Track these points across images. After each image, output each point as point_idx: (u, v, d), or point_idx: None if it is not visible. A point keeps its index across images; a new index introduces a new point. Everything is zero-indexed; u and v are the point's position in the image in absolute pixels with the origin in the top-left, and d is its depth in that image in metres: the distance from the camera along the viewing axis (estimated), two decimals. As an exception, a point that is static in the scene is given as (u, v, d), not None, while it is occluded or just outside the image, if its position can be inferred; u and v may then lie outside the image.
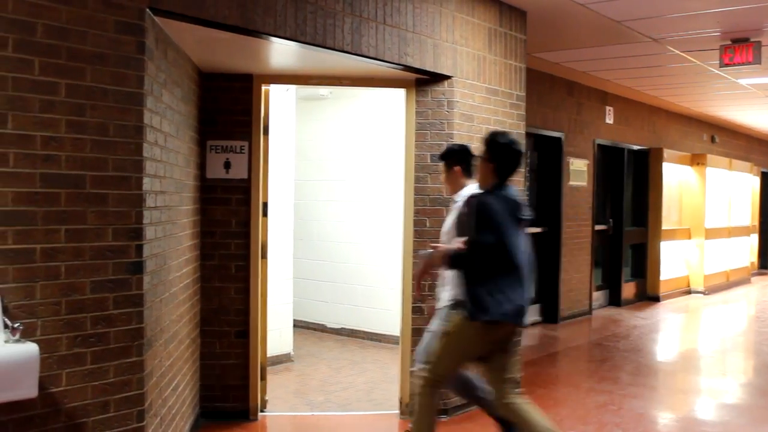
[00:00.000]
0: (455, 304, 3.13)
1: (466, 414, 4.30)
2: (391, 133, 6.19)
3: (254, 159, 4.14)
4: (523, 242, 2.96)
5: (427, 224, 4.32)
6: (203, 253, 4.09)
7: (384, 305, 6.32)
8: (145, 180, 2.79)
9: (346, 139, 6.53)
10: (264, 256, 4.24)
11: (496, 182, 3.00)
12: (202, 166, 4.08)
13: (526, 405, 3.02)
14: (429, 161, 4.32)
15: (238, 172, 4.13)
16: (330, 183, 6.63)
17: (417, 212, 4.30)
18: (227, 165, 4.13)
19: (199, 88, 4.02)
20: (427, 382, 3.06)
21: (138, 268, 2.75)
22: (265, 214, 4.23)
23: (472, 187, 3.28)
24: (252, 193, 4.16)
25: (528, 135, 5.79)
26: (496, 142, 3.04)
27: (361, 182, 6.44)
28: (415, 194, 4.31)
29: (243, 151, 4.13)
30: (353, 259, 6.46)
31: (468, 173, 3.45)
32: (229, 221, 4.14)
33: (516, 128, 4.85)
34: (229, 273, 4.14)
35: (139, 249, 2.75)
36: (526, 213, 3.01)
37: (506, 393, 3.03)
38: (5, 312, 2.40)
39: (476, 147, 3.30)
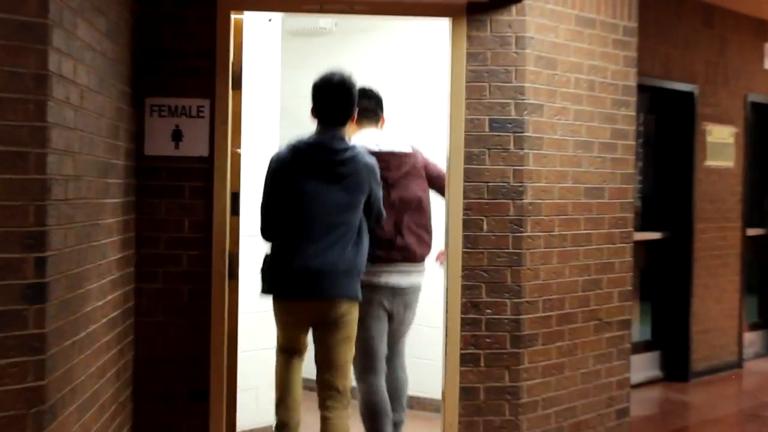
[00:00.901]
0: None
1: None
2: (428, 89, 6.18)
3: (218, 127, 4.19)
4: (324, 195, 3.91)
5: (485, 227, 4.37)
6: (140, 270, 4.16)
7: (419, 351, 6.23)
8: (51, 159, 2.81)
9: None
10: (233, 275, 4.31)
11: (316, 129, 4.04)
12: (137, 138, 4.13)
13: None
14: (488, 129, 4.38)
15: (194, 146, 4.16)
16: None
17: (468, 209, 4.37)
18: (177, 135, 4.15)
19: (135, 18, 4.06)
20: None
21: (38, 294, 2.77)
22: (235, 212, 4.30)
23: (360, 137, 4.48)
24: (215, 180, 4.21)
25: (641, 89, 5.61)
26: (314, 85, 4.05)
27: None
28: (465, 180, 4.36)
29: (201, 115, 4.17)
30: None
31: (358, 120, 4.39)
32: (180, 222, 4.17)
33: (622, 78, 4.77)
34: (179, 302, 4.19)
35: (41, 264, 2.77)
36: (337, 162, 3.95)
37: (321, 399, 4.05)
38: None
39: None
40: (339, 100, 3.97)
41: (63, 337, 2.98)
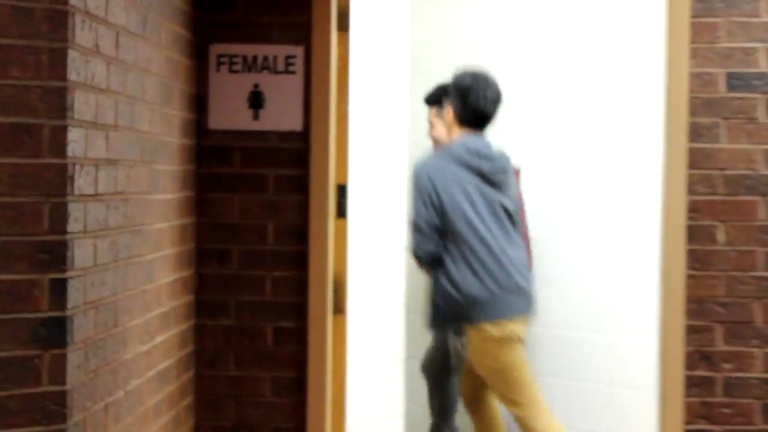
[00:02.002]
0: None
1: None
2: (629, 33, 6.25)
3: (317, 87, 4.23)
4: (491, 212, 5.31)
5: (720, 238, 4.37)
6: (202, 300, 4.21)
7: (621, 425, 6.15)
8: (73, 135, 2.80)
9: (523, 50, 6.84)
10: (340, 308, 4.37)
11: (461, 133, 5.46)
12: (199, 104, 4.22)
13: None
14: (724, 89, 4.38)
15: (282, 116, 4.23)
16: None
17: (694, 210, 4.36)
18: (256, 100, 4.21)
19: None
20: None
21: (56, 333, 2.76)
22: (342, 213, 4.38)
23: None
24: (313, 166, 4.26)
25: None
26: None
27: (561, 141, 6.71)
28: (689, 167, 4.37)
29: (292, 69, 4.22)
30: (551, 313, 6.63)
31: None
32: (262, 228, 4.25)
33: None
34: (260, 346, 4.25)
35: (59, 290, 2.76)
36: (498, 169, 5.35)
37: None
38: None
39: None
40: (494, 103, 5.41)
41: (92, 397, 2.96)
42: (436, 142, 5.96)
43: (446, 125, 5.59)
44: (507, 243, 5.31)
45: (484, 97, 5.35)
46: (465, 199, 5.22)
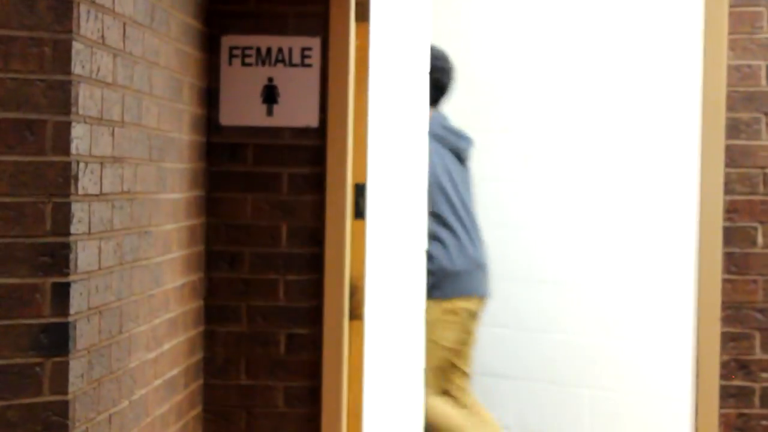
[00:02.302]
0: None
1: None
2: (663, 22, 6.26)
3: (334, 81, 4.25)
4: (465, 189, 5.84)
5: (760, 240, 4.36)
6: (211, 305, 4.23)
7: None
8: (77, 131, 2.80)
9: (551, 41, 6.86)
10: (357, 314, 4.37)
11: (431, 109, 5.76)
12: (210, 98, 4.23)
13: None
14: (765, 83, 4.39)
15: (297, 111, 4.24)
16: (513, 143, 6.89)
17: (732, 210, 4.35)
18: (270, 95, 4.23)
19: None
20: None
21: (59, 340, 2.76)
22: (360, 214, 4.38)
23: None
24: (330, 164, 4.28)
25: None
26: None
27: (594, 140, 6.74)
28: (728, 165, 4.36)
29: (308, 62, 4.24)
30: (581, 318, 6.66)
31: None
32: (275, 229, 4.26)
33: None
34: (273, 354, 4.24)
35: (62, 294, 2.77)
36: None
37: None
38: None
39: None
40: (453, 80, 6.00)
41: (95, 407, 2.97)
42: None
43: None
44: (475, 221, 5.95)
45: (447, 73, 5.88)
46: (447, 177, 5.77)
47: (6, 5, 2.69)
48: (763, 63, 4.29)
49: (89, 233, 2.89)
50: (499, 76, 6.90)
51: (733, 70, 4.29)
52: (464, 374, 6.10)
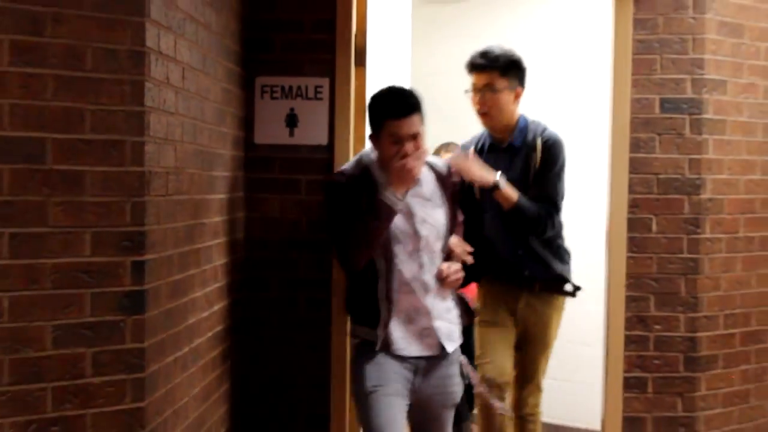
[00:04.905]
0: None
1: None
2: (583, 64, 6.16)
3: (339, 110, 4.21)
4: None
5: (654, 227, 4.37)
6: (245, 278, 4.22)
7: (574, 374, 6.11)
8: (149, 148, 2.86)
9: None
10: None
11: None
12: (246, 124, 4.21)
13: None
14: (658, 111, 4.38)
15: (312, 133, 4.21)
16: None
17: (634, 206, 4.38)
18: (291, 121, 4.20)
19: (243, -15, 4.18)
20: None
21: (137, 303, 2.83)
22: None
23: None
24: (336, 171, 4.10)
25: None
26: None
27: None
28: (631, 172, 4.37)
29: (320, 96, 4.20)
30: None
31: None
32: (297, 222, 4.23)
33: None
34: (294, 314, 4.24)
35: (139, 269, 2.83)
36: None
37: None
38: None
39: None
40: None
41: (164, 352, 3.04)
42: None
43: (514, 103, 4.33)
44: None
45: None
46: None
47: (96, 56, 2.76)
48: (657, 96, 4.30)
49: (159, 224, 2.97)
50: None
51: (635, 102, 4.32)
52: None
